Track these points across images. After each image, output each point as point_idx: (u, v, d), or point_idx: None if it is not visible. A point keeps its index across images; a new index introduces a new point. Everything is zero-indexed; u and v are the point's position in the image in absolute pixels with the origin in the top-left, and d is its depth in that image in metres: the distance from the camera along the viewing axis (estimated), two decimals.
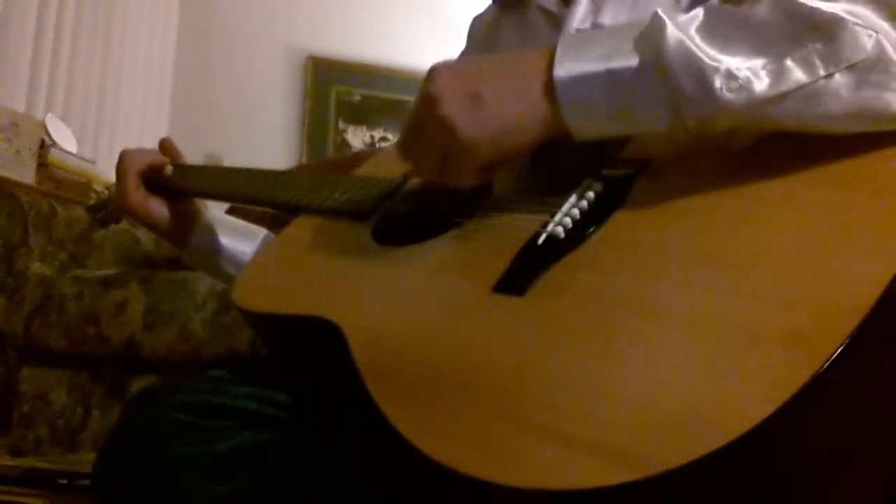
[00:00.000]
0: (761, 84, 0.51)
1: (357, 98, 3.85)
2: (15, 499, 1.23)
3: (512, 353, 0.52)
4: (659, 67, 0.53)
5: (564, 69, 0.57)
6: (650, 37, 0.54)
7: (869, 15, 0.51)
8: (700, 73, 0.52)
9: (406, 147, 0.66)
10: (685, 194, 0.56)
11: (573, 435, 0.44)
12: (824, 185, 0.52)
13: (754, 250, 0.50)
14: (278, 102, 3.73)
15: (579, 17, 0.83)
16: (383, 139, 3.85)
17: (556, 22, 0.86)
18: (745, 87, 0.51)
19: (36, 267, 1.92)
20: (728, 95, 0.51)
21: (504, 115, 0.58)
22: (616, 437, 0.43)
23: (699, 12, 0.55)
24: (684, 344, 0.46)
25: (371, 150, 3.51)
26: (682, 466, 0.40)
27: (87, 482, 1.15)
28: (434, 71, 0.62)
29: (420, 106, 0.62)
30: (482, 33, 1.00)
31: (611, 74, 0.55)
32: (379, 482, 0.59)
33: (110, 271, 1.93)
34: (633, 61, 0.54)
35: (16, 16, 2.86)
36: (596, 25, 0.82)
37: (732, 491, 0.42)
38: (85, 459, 1.45)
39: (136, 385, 1.78)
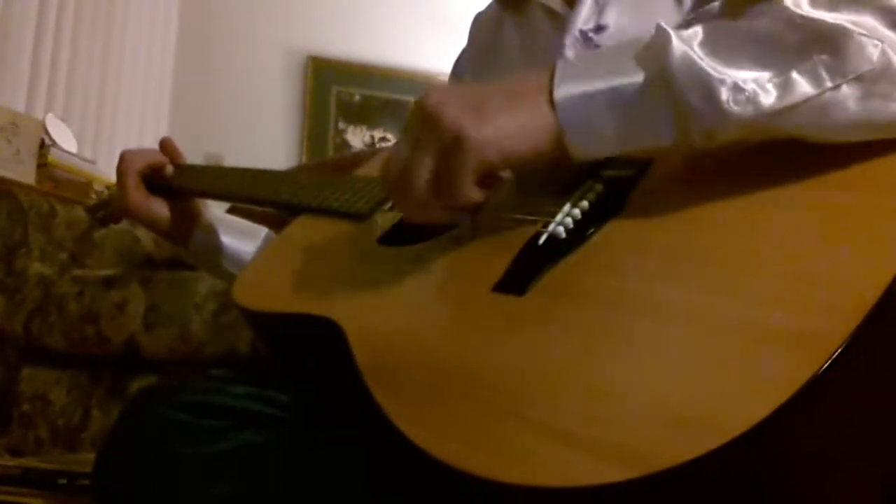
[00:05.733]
0: (768, 97, 0.50)
1: (357, 98, 3.85)
2: (15, 499, 1.23)
3: (512, 351, 0.52)
4: (664, 81, 0.53)
5: (564, 90, 0.55)
6: (655, 50, 0.53)
7: (874, 24, 0.50)
8: (706, 86, 0.51)
9: (394, 177, 0.60)
10: (686, 195, 0.56)
11: (573, 432, 0.44)
12: (826, 186, 0.51)
13: (755, 251, 0.50)
14: (278, 102, 3.73)
15: (583, 16, 0.82)
16: (383, 139, 3.85)
17: (560, 22, 0.86)
18: (752, 99, 0.50)
19: (36, 267, 1.92)
20: (735, 108, 0.51)
21: (509, 122, 0.56)
22: (616, 435, 0.43)
23: (698, 29, 0.54)
24: (685, 343, 0.46)
25: (371, 150, 3.51)
26: (682, 464, 0.40)
27: (87, 482, 1.15)
28: (424, 93, 0.59)
29: (416, 122, 0.58)
30: (484, 32, 1.00)
31: (614, 92, 0.54)
32: (380, 481, 0.59)
33: (110, 271, 1.93)
34: (637, 77, 0.54)
35: (16, 16, 2.86)
36: (599, 26, 0.81)
37: (732, 489, 0.42)
38: (85, 459, 1.45)
39: (136, 385, 1.77)
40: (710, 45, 0.53)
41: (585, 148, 0.56)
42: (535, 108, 0.56)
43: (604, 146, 0.56)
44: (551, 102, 0.56)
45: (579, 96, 0.55)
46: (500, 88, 0.58)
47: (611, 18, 0.81)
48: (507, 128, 0.56)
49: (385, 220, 0.77)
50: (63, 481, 1.26)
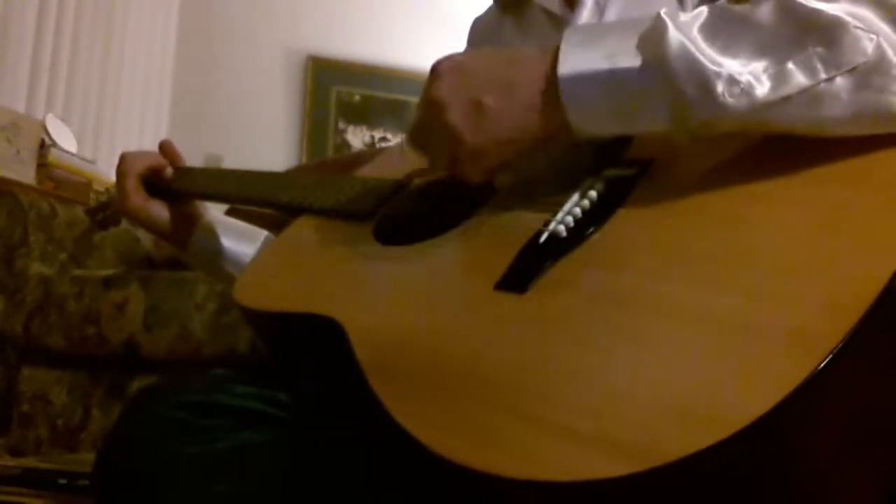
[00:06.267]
0: (763, 88, 0.51)
1: (357, 98, 3.85)
2: (15, 499, 1.23)
3: (513, 348, 0.52)
4: (661, 71, 0.54)
5: (568, 67, 0.57)
6: (652, 39, 0.54)
7: (870, 17, 0.51)
8: (702, 78, 0.52)
9: (417, 143, 0.68)
10: (687, 194, 0.56)
11: (576, 427, 0.45)
12: (825, 183, 0.52)
13: (756, 248, 0.50)
14: (278, 102, 3.73)
15: (584, 18, 0.83)
16: (383, 139, 3.85)
17: (560, 24, 0.86)
18: (747, 91, 0.51)
19: (36, 267, 1.92)
20: (730, 101, 0.52)
21: (507, 122, 0.60)
22: (618, 430, 0.43)
23: (703, 10, 0.55)
24: (685, 339, 0.47)
25: (371, 150, 3.51)
26: (682, 459, 0.40)
27: (87, 482, 1.15)
28: (437, 72, 0.64)
29: (426, 109, 0.64)
30: (483, 36, 1.00)
31: (613, 74, 0.56)
32: (380, 480, 0.59)
33: (110, 271, 1.93)
34: (636, 62, 0.55)
35: (16, 16, 2.86)
36: None
37: (734, 484, 0.42)
38: (85, 459, 1.45)
39: (136, 385, 1.77)
40: (709, 29, 0.54)
41: (586, 126, 0.58)
42: (534, 96, 0.59)
43: (603, 126, 0.58)
44: (553, 79, 0.58)
45: (580, 76, 0.57)
46: (500, 68, 0.62)
47: (611, 19, 0.81)
48: (504, 131, 0.61)
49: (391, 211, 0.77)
50: (63, 481, 1.26)
